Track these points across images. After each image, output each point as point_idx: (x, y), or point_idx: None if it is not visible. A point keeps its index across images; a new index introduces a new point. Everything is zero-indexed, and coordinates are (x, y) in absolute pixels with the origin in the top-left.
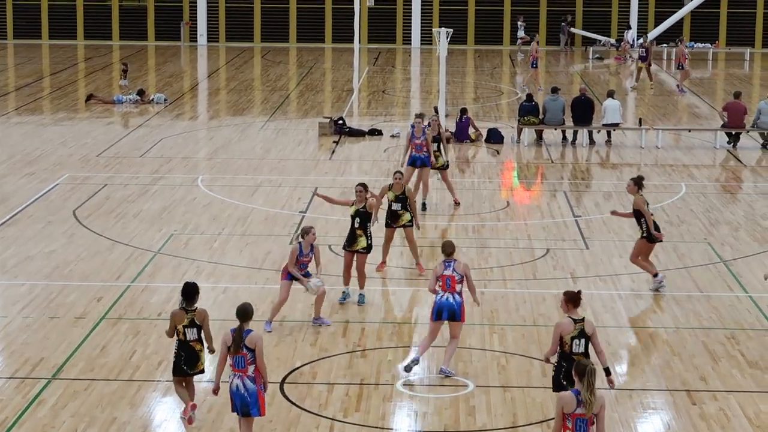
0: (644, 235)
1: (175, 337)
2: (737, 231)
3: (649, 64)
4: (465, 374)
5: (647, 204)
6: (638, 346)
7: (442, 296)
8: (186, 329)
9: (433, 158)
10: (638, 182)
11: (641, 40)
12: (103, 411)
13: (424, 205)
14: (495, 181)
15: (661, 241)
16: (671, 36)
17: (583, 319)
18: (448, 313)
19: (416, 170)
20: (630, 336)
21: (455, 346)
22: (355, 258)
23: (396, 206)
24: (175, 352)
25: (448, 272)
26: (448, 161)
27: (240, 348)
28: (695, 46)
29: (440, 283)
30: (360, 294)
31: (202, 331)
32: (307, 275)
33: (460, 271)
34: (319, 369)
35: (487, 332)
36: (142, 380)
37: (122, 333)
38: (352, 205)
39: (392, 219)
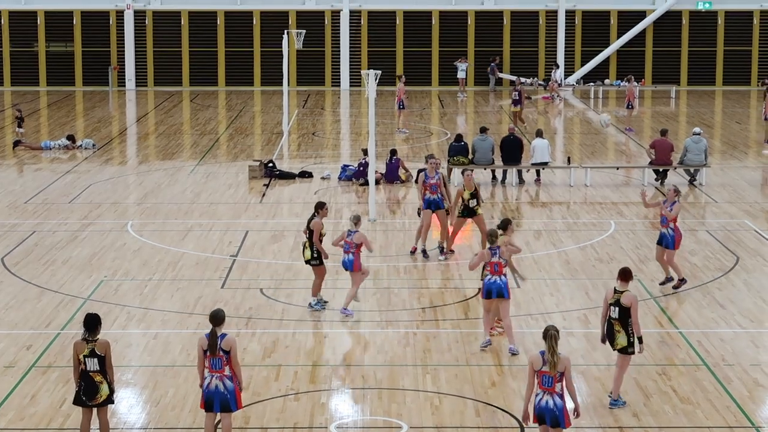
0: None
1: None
2: None
3: (521, 110)
4: (399, 415)
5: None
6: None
7: (490, 278)
8: (86, 359)
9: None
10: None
11: (514, 82)
12: None
13: (442, 249)
14: None
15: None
16: (598, 75)
17: (623, 292)
18: (496, 293)
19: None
20: None
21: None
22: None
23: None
24: (77, 382)
25: (495, 259)
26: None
27: (216, 351)
28: (621, 84)
29: (488, 268)
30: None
31: (105, 363)
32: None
33: (504, 257)
34: (252, 413)
35: (420, 372)
36: (72, 428)
37: (52, 381)
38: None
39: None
